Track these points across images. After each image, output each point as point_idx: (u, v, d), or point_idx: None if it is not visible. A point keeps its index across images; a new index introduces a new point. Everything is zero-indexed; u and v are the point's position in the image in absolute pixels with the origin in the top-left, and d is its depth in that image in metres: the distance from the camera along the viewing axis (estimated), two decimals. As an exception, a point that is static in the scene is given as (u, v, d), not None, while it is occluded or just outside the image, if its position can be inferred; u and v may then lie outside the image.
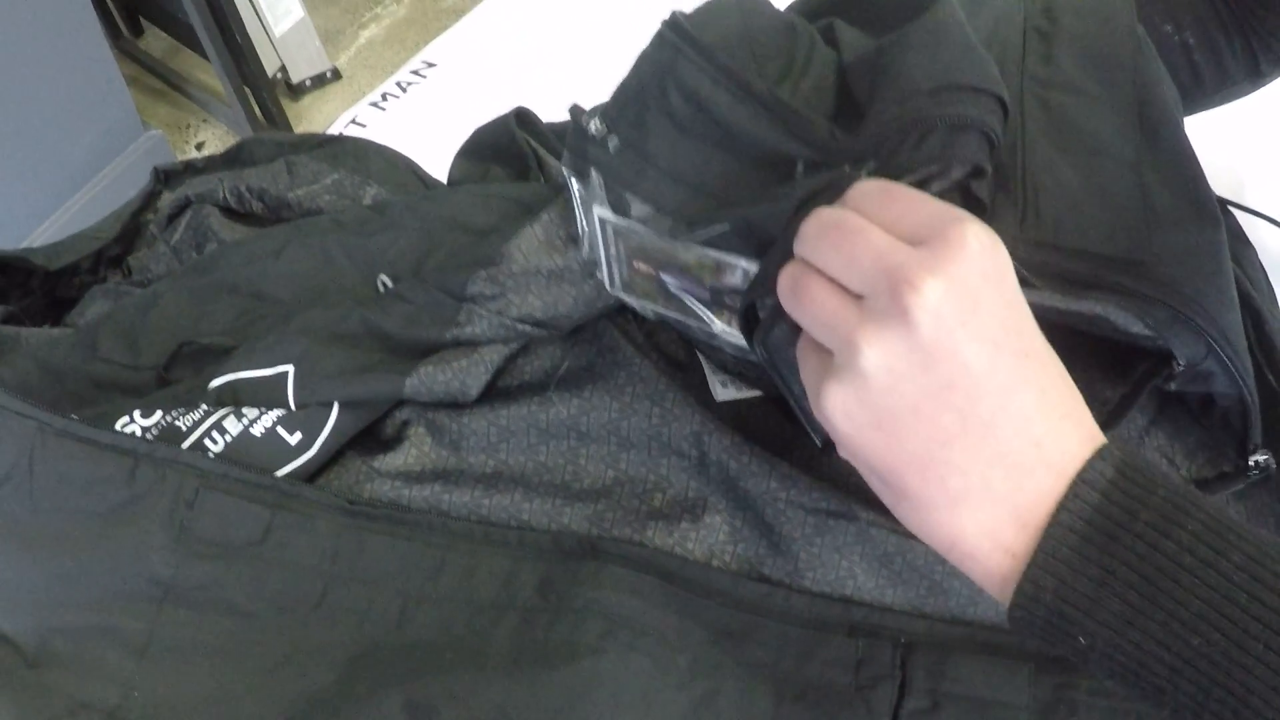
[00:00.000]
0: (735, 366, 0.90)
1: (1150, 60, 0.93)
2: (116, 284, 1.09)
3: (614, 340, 0.89)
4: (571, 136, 0.80)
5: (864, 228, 0.60)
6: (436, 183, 1.21)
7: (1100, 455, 0.57)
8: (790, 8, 0.98)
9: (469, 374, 0.86)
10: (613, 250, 0.83)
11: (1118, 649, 0.55)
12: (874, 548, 0.81)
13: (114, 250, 1.11)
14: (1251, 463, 0.86)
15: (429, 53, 1.61)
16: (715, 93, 0.75)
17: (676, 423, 0.85)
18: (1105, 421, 0.84)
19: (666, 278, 0.82)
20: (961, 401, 0.57)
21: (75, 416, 0.84)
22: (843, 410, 0.60)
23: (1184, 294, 0.77)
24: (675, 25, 0.77)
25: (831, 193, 0.65)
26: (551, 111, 1.18)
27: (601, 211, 0.80)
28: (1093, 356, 0.85)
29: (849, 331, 0.59)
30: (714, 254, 0.77)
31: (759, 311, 0.71)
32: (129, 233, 1.12)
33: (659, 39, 0.78)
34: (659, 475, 0.86)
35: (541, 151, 1.14)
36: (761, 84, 0.75)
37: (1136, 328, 0.77)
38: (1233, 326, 0.81)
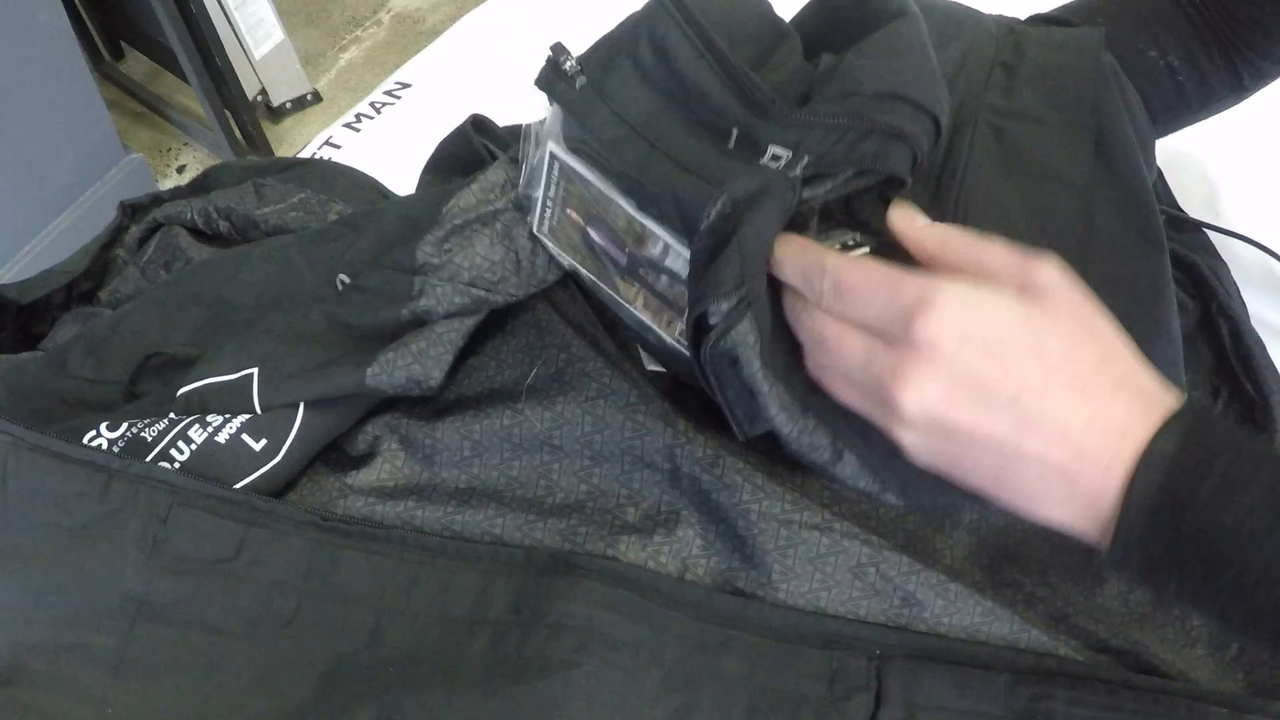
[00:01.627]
0: (633, 336, 0.91)
1: (1113, 92, 0.95)
2: (85, 309, 1.09)
3: (583, 350, 0.89)
4: (543, 70, 0.82)
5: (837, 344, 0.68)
6: (401, 200, 1.22)
7: (1164, 430, 0.60)
8: None
9: (428, 356, 0.86)
10: (551, 191, 0.84)
11: (1200, 603, 0.61)
12: (847, 559, 0.81)
13: (85, 285, 1.11)
14: None
15: (403, 74, 1.61)
16: (681, 45, 0.77)
17: (649, 435, 0.86)
18: None
19: (592, 232, 0.84)
20: (989, 458, 0.63)
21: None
22: (921, 450, 0.66)
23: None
24: None
25: (761, 195, 0.71)
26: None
27: (554, 146, 0.82)
28: None
29: (881, 382, 0.65)
30: (641, 219, 0.79)
31: (709, 318, 0.72)
32: (99, 267, 1.13)
33: (651, 2, 0.80)
34: (631, 489, 0.86)
35: (500, 155, 1.15)
36: (722, 48, 0.76)
37: None
38: (1167, 364, 0.84)
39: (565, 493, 0.87)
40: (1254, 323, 1.07)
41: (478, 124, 1.18)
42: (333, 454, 0.90)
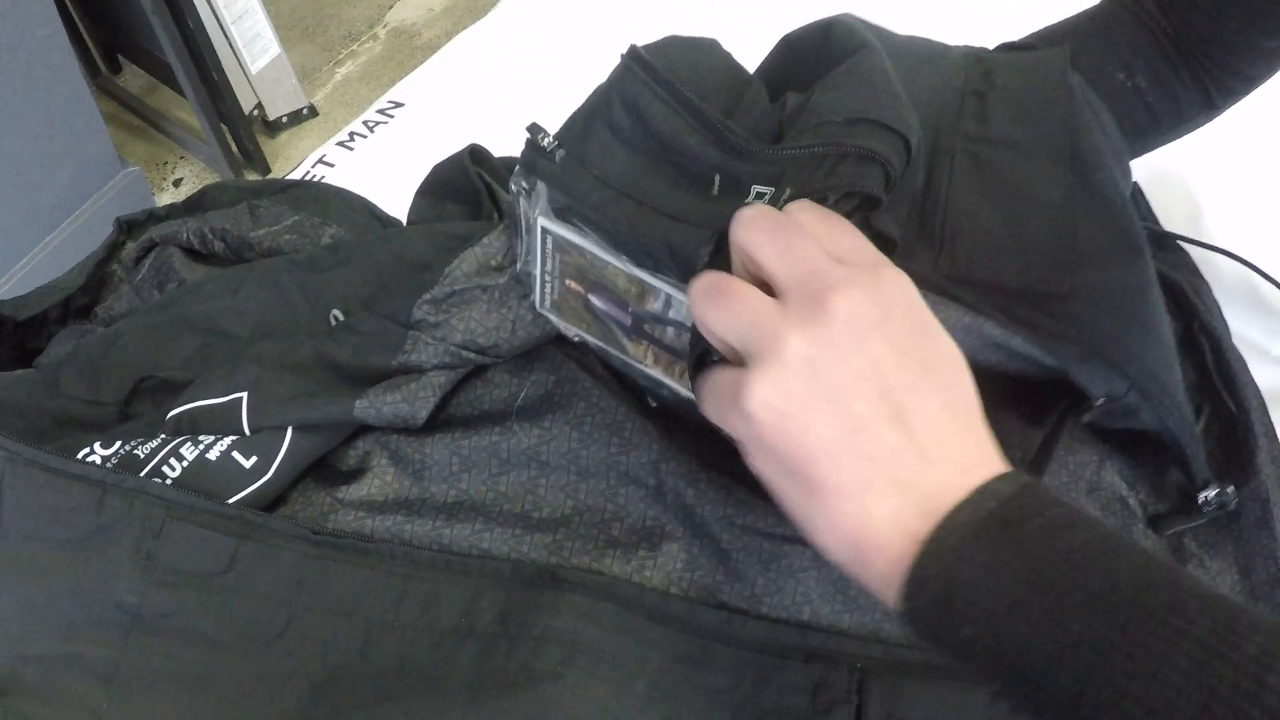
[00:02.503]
0: (648, 390, 0.92)
1: (1082, 108, 0.97)
2: (80, 326, 1.10)
3: (573, 372, 0.90)
4: (524, 150, 0.83)
5: (803, 230, 0.67)
6: (394, 221, 1.23)
7: (1001, 478, 0.60)
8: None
9: (417, 397, 0.87)
10: (548, 265, 0.85)
11: (997, 639, 0.56)
12: (829, 572, 0.82)
13: (81, 300, 1.12)
14: (1201, 499, 0.88)
15: (396, 92, 1.62)
16: (652, 103, 0.78)
17: (634, 451, 0.87)
18: (1031, 464, 0.88)
19: (594, 298, 0.85)
20: (872, 392, 0.62)
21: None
22: (762, 401, 0.63)
23: (1097, 331, 0.81)
24: (632, 53, 0.81)
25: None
26: (516, 147, 1.20)
27: (545, 221, 0.83)
28: (1015, 401, 0.89)
29: (773, 325, 0.63)
30: (639, 274, 0.80)
31: (710, 355, 0.72)
32: (95, 283, 1.13)
33: (617, 67, 0.82)
34: (617, 504, 0.87)
35: (495, 187, 1.16)
36: (693, 99, 0.78)
37: (1046, 360, 0.82)
38: (1159, 361, 0.84)
39: (552, 507, 0.87)
40: (1235, 340, 1.08)
41: (475, 154, 1.20)
42: (324, 469, 0.90)
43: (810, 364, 0.62)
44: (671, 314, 0.82)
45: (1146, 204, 1.28)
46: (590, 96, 0.84)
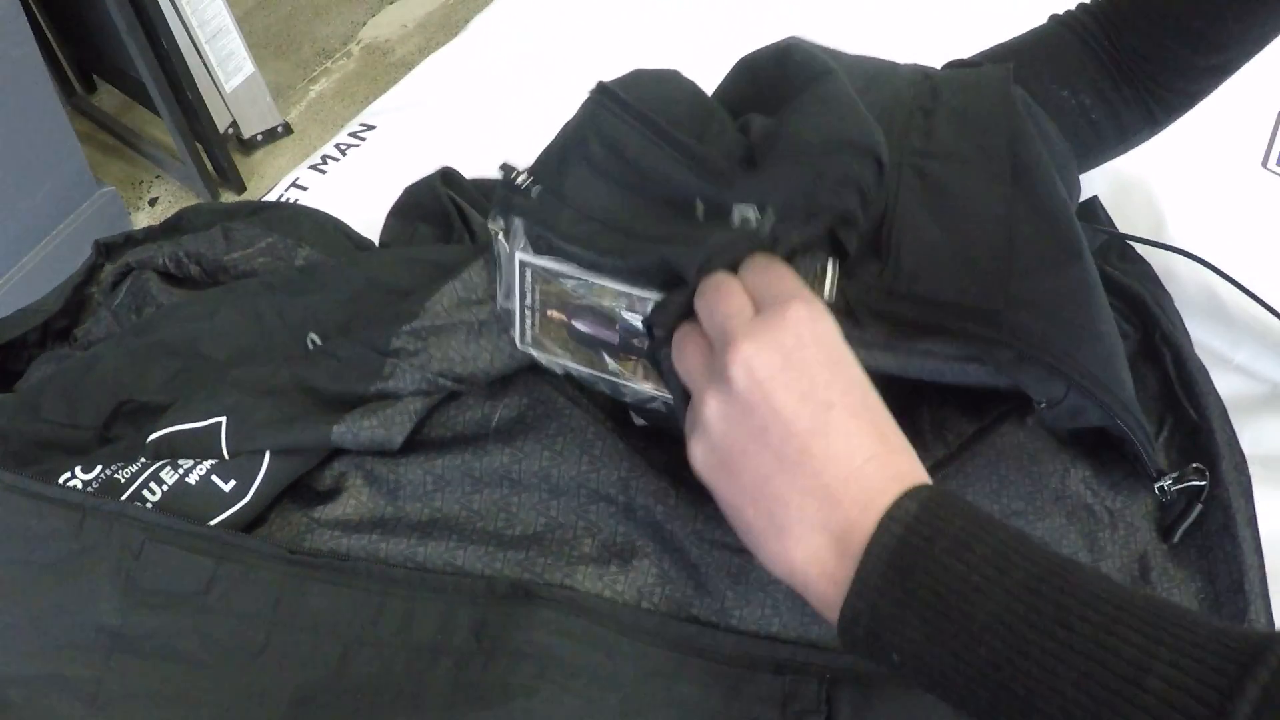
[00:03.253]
0: (640, 414, 0.94)
1: (1023, 120, 0.99)
2: (59, 350, 1.10)
3: (545, 393, 0.91)
4: (499, 189, 0.84)
5: (731, 292, 0.71)
6: (366, 241, 1.24)
7: (908, 494, 0.63)
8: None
9: (393, 422, 0.89)
10: (528, 299, 0.86)
11: (922, 664, 0.59)
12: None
13: (60, 323, 1.12)
14: (1158, 489, 0.91)
15: (367, 115, 1.63)
16: (629, 135, 0.81)
17: (605, 469, 0.88)
18: (954, 452, 0.91)
19: (578, 324, 0.85)
20: (776, 442, 0.65)
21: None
22: (699, 456, 0.69)
23: (1032, 337, 0.83)
24: (601, 88, 0.84)
25: (740, 245, 0.75)
26: (485, 168, 1.21)
27: (522, 255, 0.84)
28: (950, 394, 0.92)
29: (699, 386, 0.69)
30: (628, 289, 0.81)
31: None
32: (74, 305, 1.14)
33: (586, 101, 0.84)
34: (588, 520, 0.88)
35: (466, 208, 1.17)
36: (670, 129, 0.80)
37: (976, 373, 0.84)
38: (1097, 360, 0.86)
39: (524, 525, 0.88)
40: (1197, 349, 1.10)
41: (446, 177, 1.21)
42: (300, 490, 0.91)
43: (723, 421, 0.67)
44: None
45: (1106, 214, 1.30)
46: (561, 132, 0.86)
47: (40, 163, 2.61)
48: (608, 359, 0.87)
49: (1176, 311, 1.17)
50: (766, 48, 0.95)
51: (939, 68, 1.14)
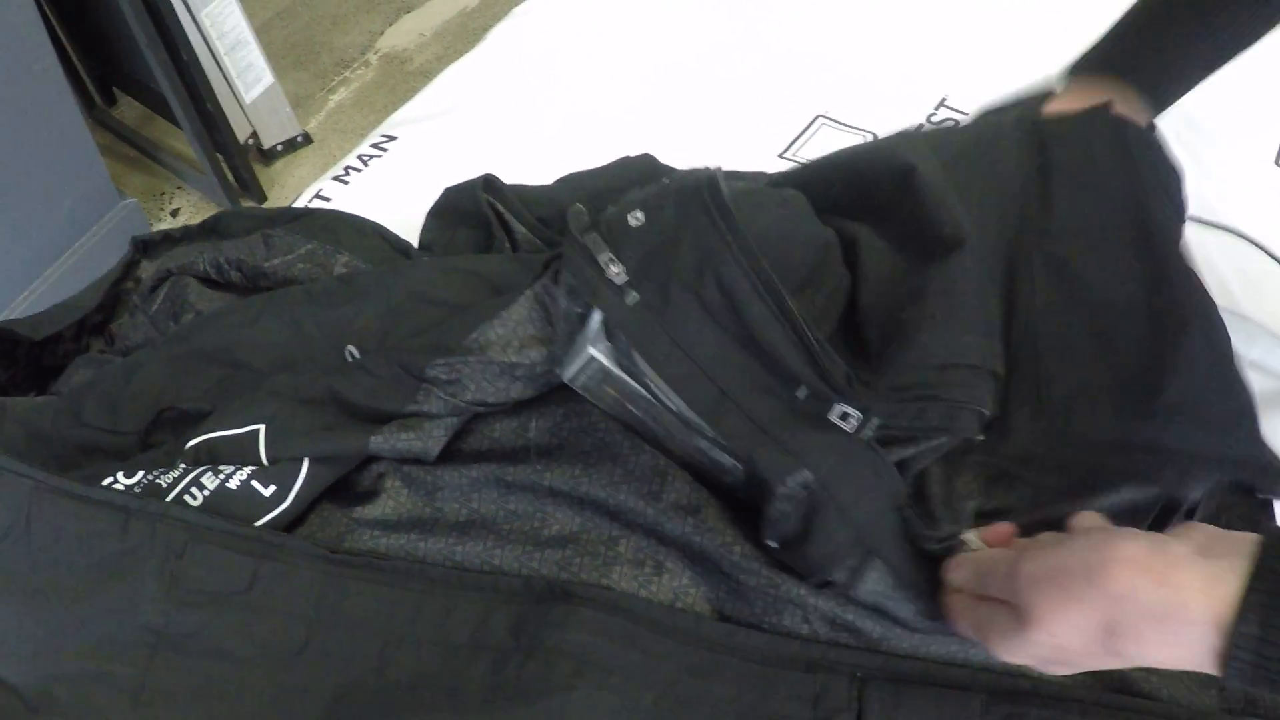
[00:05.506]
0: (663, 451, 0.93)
1: (1142, 171, 0.98)
2: (99, 353, 1.11)
3: (579, 405, 0.92)
4: (578, 261, 0.84)
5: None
6: (404, 244, 1.25)
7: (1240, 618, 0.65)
8: (785, 177, 1.04)
9: (430, 436, 0.90)
10: (588, 372, 0.86)
11: None
12: (824, 601, 0.84)
13: (96, 319, 1.13)
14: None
15: (388, 126, 1.64)
16: (752, 300, 0.80)
17: (635, 481, 0.89)
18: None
19: (630, 406, 0.87)
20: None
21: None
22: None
23: (1192, 453, 0.85)
24: (720, 206, 0.82)
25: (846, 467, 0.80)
26: (508, 178, 1.22)
27: (597, 353, 0.84)
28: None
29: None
30: (695, 443, 0.83)
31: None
32: (109, 301, 1.15)
33: (700, 206, 0.83)
34: (618, 530, 0.89)
35: (508, 216, 1.18)
36: (796, 312, 0.80)
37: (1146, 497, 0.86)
38: (1244, 427, 0.88)
39: (560, 525, 0.89)
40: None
41: (488, 184, 1.22)
42: (340, 490, 0.92)
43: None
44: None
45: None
46: (654, 222, 0.85)
47: (62, 176, 2.61)
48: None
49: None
50: (884, 157, 0.97)
51: (1066, 70, 1.13)
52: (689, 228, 0.83)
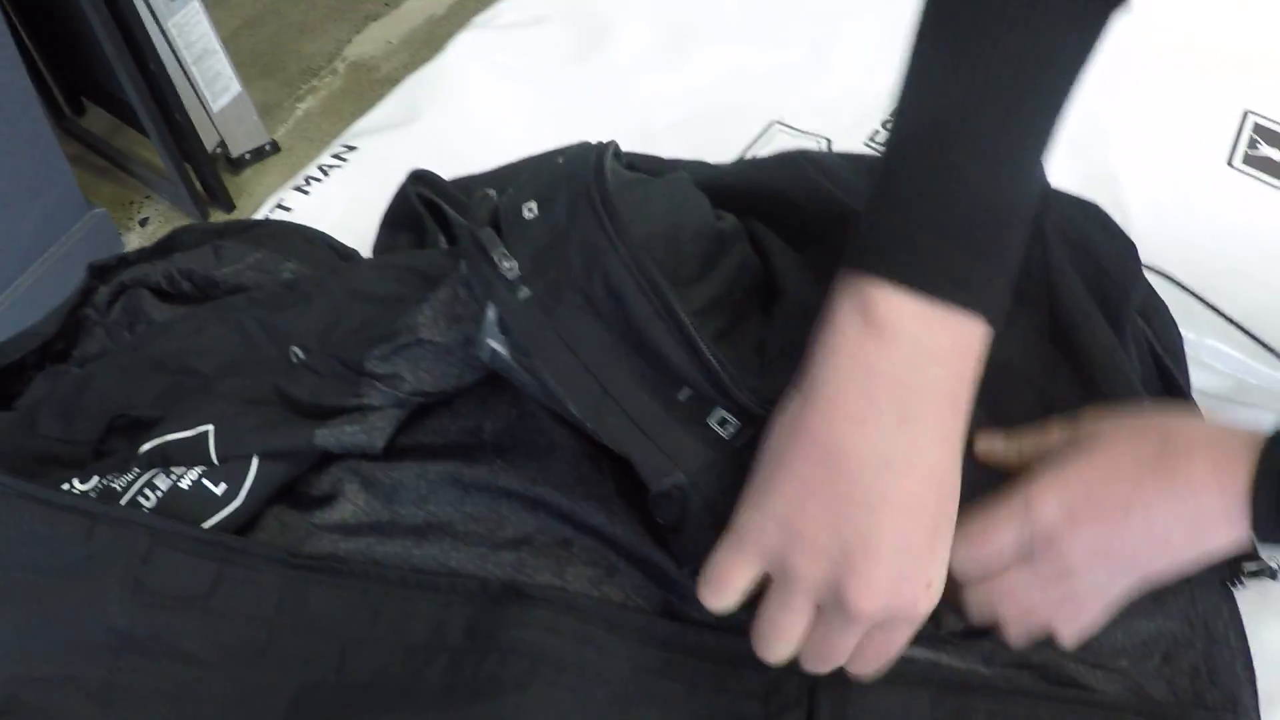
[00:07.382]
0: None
1: (1054, 251, 0.97)
2: (56, 368, 1.11)
3: (533, 408, 0.94)
4: (477, 254, 0.83)
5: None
6: (351, 252, 1.27)
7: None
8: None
9: (375, 428, 0.91)
10: (496, 362, 0.87)
11: None
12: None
13: (58, 345, 1.13)
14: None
15: (349, 136, 1.64)
16: (638, 300, 0.79)
17: (588, 485, 0.90)
18: None
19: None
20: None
21: (27, 485, 0.88)
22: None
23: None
24: (606, 203, 0.81)
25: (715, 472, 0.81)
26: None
27: (495, 344, 0.85)
28: None
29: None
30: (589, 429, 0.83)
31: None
32: (70, 328, 1.14)
33: (587, 201, 0.82)
34: (571, 532, 0.90)
35: (444, 206, 1.20)
36: (680, 309, 0.78)
37: None
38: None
39: (515, 528, 0.90)
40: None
41: (420, 178, 1.23)
42: (298, 496, 0.93)
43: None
44: None
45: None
46: (546, 221, 0.83)
47: (31, 185, 2.60)
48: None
49: (1173, 324, 1.15)
50: (796, 172, 1.00)
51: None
52: (576, 223, 0.82)
